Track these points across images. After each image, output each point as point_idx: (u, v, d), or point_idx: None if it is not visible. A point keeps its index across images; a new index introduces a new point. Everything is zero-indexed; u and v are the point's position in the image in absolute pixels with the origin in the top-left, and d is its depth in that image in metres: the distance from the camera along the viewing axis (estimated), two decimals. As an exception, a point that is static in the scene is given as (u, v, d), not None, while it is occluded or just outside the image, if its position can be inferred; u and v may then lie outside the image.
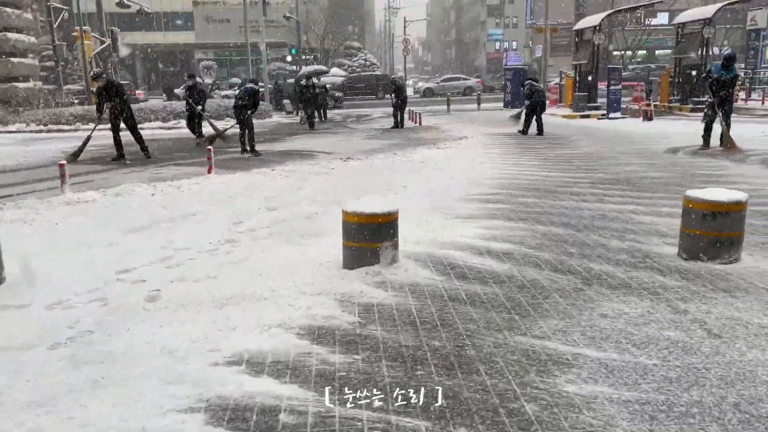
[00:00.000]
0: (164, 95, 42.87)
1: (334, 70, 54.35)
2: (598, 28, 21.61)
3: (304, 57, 53.85)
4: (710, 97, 10.71)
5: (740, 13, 36.82)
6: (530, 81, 15.08)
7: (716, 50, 34.25)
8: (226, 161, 11.11)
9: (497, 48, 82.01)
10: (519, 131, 15.01)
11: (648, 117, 17.58)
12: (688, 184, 7.43)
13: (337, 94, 35.81)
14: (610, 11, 22.87)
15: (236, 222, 6.09)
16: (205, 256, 4.96)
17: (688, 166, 8.90)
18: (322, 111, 23.70)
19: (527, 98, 14.76)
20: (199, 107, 13.84)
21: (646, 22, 49.57)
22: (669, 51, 56.71)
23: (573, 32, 24.08)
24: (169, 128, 19.89)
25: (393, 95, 19.24)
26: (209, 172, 9.17)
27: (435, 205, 6.53)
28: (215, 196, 7.54)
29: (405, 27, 59.32)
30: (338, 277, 4.26)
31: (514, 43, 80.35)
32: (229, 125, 13.44)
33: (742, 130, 12.62)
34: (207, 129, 14.23)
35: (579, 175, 8.43)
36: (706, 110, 15.84)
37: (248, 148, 12.17)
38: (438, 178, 8.35)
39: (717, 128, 10.62)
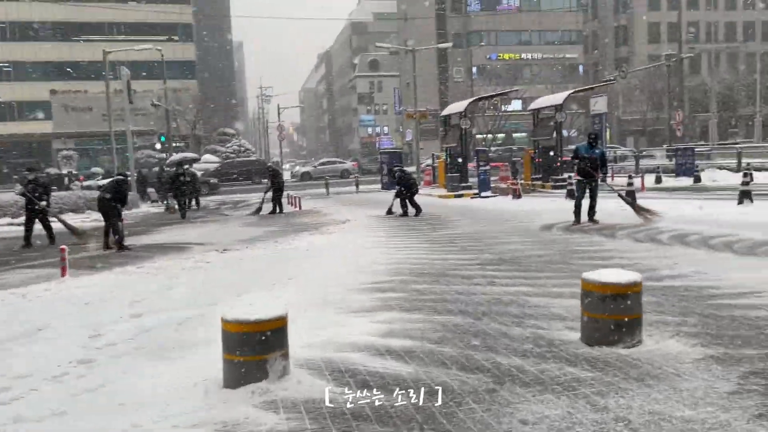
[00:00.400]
0: (17, 188, 39.40)
1: (207, 156, 53.28)
2: (464, 114, 22.93)
3: (174, 144, 52.46)
4: (576, 176, 11.35)
5: (584, 99, 41.00)
6: (398, 168, 15.56)
7: (565, 132, 37.59)
8: (87, 260, 9.95)
9: (369, 132, 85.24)
10: (399, 214, 15.11)
11: (517, 195, 18.52)
12: (570, 261, 7.58)
13: (212, 181, 34.84)
14: (473, 99, 24.50)
15: (93, 335, 5.21)
16: (52, 385, 4.08)
17: (565, 243, 9.18)
18: (195, 199, 22.72)
19: (397, 184, 15.14)
20: (43, 203, 12.49)
21: (503, 108, 53.81)
22: (524, 134, 61.88)
23: (440, 118, 25.42)
24: (20, 224, 17.90)
25: (269, 181, 19.00)
26: (63, 274, 8.08)
27: (325, 299, 6.05)
28: (69, 304, 6.53)
29: (279, 114, 60.04)
30: (219, 400, 3.60)
31: (386, 128, 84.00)
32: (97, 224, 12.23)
33: (603, 204, 13.54)
34: (57, 225, 12.85)
35: (466, 257, 8.36)
36: (573, 189, 17.04)
37: (114, 244, 11.10)
38: (325, 267, 7.91)
39: (585, 204, 11.23)
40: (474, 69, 61.08)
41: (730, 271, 6.52)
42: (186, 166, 22.21)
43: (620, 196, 11.42)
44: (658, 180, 23.70)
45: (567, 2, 64.37)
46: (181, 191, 19.89)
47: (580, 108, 46.88)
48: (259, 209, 18.93)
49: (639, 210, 11.24)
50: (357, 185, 26.94)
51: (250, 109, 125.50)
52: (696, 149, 26.28)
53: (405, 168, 16.23)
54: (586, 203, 11.29)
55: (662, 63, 32.94)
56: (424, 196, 22.26)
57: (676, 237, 9.08)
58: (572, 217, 11.80)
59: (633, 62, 59.54)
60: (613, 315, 4.26)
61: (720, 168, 25.76)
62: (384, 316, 5.36)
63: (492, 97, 27.20)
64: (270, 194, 18.75)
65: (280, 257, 9.01)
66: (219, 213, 20.96)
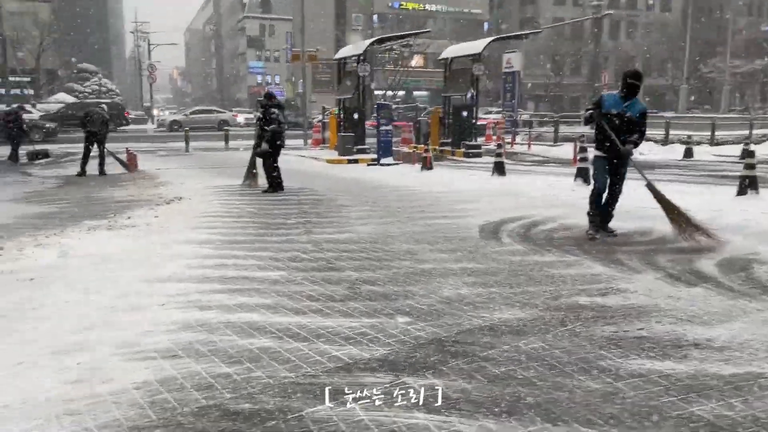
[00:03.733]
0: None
1: (60, 95, 45.29)
2: (362, 57, 18.18)
3: (15, 79, 43.69)
4: (595, 149, 6.58)
5: (495, 54, 37.23)
6: (274, 108, 10.18)
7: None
8: None
9: (259, 81, 78.01)
10: (263, 190, 10.28)
11: (427, 165, 14.21)
12: (606, 355, 3.27)
13: (47, 125, 28.01)
14: (375, 38, 19.76)
15: None
16: None
17: (548, 280, 4.84)
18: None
19: (267, 132, 10.03)
20: None
21: (405, 63, 49.56)
22: (425, 92, 58.15)
23: (335, 62, 20.52)
24: None
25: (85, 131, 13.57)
26: None
27: None
28: None
29: (150, 51, 51.86)
30: None
31: (277, 77, 77.15)
32: None
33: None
34: None
35: (360, 325, 3.80)
36: (502, 163, 12.72)
37: None
38: (23, 346, 3.10)
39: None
40: (375, 17, 55.94)
41: None
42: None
43: (650, 187, 6.48)
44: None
45: (475, -46, 60.38)
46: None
47: (489, 65, 43.41)
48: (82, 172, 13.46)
49: (684, 224, 6.17)
50: (226, 140, 21.56)
51: (128, 47, 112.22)
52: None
53: (282, 108, 10.74)
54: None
55: (590, 17, 29.70)
56: (310, 160, 17.53)
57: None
58: (513, 207, 7.69)
59: (538, 24, 57.01)
60: None
61: (646, 140, 23.05)
62: None
63: (398, 38, 22.62)
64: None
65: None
66: (22, 171, 15.06)
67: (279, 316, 3.85)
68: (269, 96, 10.25)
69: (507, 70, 29.87)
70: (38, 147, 18.20)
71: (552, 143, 23.33)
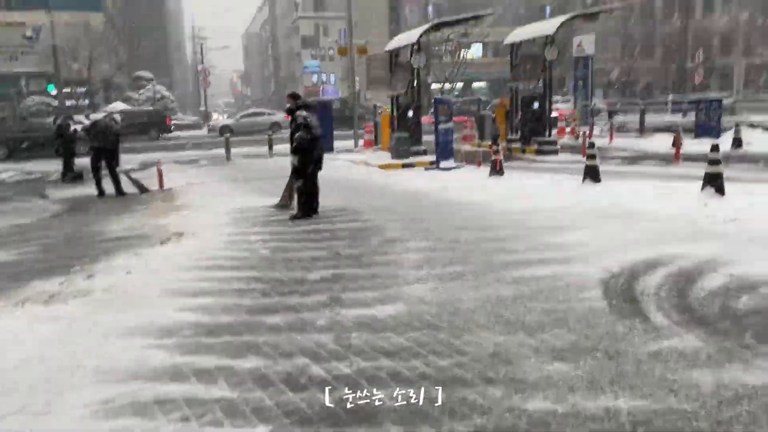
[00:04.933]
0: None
1: (116, 105, 44.97)
2: (416, 46, 15.77)
3: (66, 90, 43.54)
4: None
5: (561, 38, 33.88)
6: (301, 110, 7.87)
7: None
8: None
9: (315, 81, 76.64)
10: (292, 216, 8.05)
11: (498, 169, 11.64)
12: None
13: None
14: (428, 24, 17.24)
15: None
16: None
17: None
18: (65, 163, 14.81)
19: (295, 144, 7.72)
20: None
21: (462, 55, 46.56)
22: (483, 83, 55.09)
23: (387, 54, 18.15)
24: None
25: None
26: None
27: None
28: None
29: (203, 55, 51.06)
30: None
31: (333, 76, 75.61)
32: None
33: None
34: None
35: None
36: (595, 166, 9.72)
37: None
38: None
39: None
40: (430, 8, 53.25)
41: None
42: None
43: None
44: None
45: (534, -66, 56.74)
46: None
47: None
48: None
49: None
50: (270, 146, 19.57)
51: (189, 54, 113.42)
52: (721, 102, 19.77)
53: (311, 109, 8.32)
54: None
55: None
56: (359, 165, 15.28)
57: None
58: (634, 239, 5.24)
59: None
60: None
61: (751, 126, 19.57)
62: None
63: (456, 22, 20.02)
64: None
65: None
66: (40, 192, 13.45)
67: None
68: (293, 96, 7.99)
69: (579, 55, 26.76)
70: (76, 166, 16.14)
71: (638, 134, 20.24)
